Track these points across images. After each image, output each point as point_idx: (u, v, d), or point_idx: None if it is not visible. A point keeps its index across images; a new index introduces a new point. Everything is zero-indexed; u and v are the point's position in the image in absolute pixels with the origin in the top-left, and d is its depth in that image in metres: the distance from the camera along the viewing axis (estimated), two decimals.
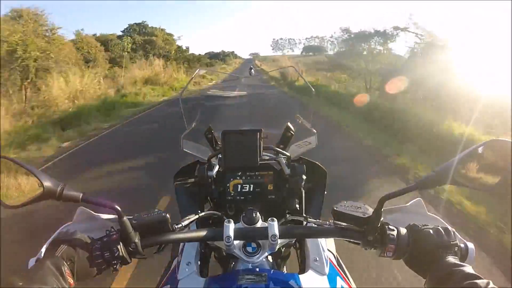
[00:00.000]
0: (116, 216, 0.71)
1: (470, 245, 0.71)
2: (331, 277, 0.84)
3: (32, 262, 0.68)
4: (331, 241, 1.08)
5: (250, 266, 0.81)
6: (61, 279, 0.59)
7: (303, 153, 1.19)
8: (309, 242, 0.96)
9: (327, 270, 0.86)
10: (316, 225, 0.88)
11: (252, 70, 32.47)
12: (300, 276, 0.80)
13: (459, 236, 0.71)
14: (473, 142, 4.39)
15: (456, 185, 0.69)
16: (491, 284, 0.55)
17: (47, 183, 0.64)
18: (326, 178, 1.16)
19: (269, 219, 0.77)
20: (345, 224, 0.76)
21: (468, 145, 0.71)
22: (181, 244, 0.98)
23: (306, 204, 1.11)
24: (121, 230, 0.70)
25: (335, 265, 0.92)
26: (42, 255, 0.65)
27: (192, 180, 1.13)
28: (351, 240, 0.77)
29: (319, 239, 0.96)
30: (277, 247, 0.79)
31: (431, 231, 0.69)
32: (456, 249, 0.68)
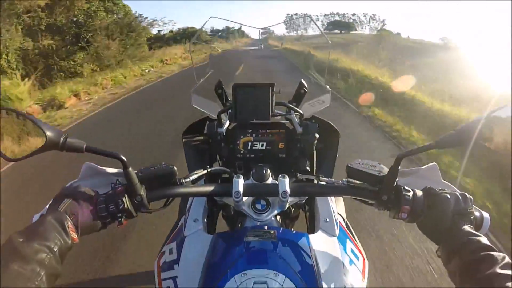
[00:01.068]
0: (122, 170, 0.69)
1: (486, 215, 0.69)
2: (341, 239, 0.83)
3: (35, 218, 0.67)
4: (341, 205, 1.06)
5: (258, 224, 0.80)
6: (64, 234, 0.58)
7: (316, 112, 1.14)
8: (319, 203, 0.94)
9: (337, 231, 0.85)
10: (327, 184, 0.86)
11: (262, 46, 30.90)
12: (310, 236, 0.78)
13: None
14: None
15: (478, 148, 0.65)
16: (507, 259, 0.54)
17: (50, 133, 0.62)
18: (338, 138, 1.13)
19: (280, 175, 0.75)
20: (359, 182, 0.74)
21: None
22: (189, 201, 0.97)
23: (317, 165, 1.09)
24: (127, 182, 0.69)
25: (344, 228, 0.90)
26: (46, 211, 0.63)
27: (201, 137, 1.11)
28: (365, 200, 0.75)
29: (329, 201, 0.94)
30: (287, 205, 0.78)
31: (448, 196, 0.66)
32: (471, 217, 0.66)
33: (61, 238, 0.57)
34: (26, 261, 0.50)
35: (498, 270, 0.51)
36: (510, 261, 0.53)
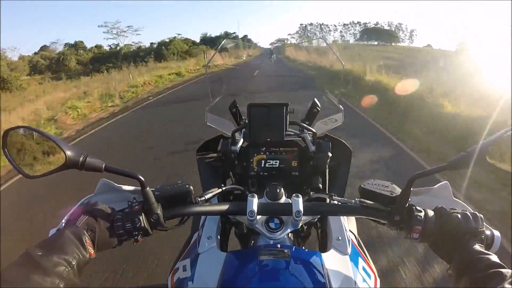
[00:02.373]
0: (138, 188, 0.70)
1: (496, 233, 0.69)
2: (353, 257, 0.83)
3: (52, 232, 0.68)
4: (353, 223, 1.06)
5: (271, 242, 0.80)
6: (81, 248, 0.59)
7: (328, 130, 1.15)
8: (331, 221, 0.94)
9: (349, 250, 0.84)
10: (340, 203, 0.86)
11: (274, 56, 25.75)
12: (323, 254, 0.78)
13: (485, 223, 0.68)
14: None
15: (489, 168, 0.66)
16: None
17: (70, 153, 0.63)
18: (351, 156, 1.13)
19: (294, 195, 0.76)
20: (371, 202, 0.74)
21: None
22: (202, 218, 0.98)
23: (329, 182, 1.09)
24: (143, 201, 0.70)
25: (356, 246, 0.90)
26: (63, 225, 0.64)
27: (215, 154, 1.12)
28: (377, 220, 0.75)
29: (341, 220, 0.94)
30: (300, 224, 0.78)
31: (459, 215, 0.67)
32: (482, 236, 0.66)
33: (79, 252, 0.58)
34: (46, 273, 0.51)
35: (507, 286, 0.51)
36: None
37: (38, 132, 0.66)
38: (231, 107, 1.19)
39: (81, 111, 8.36)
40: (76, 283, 0.55)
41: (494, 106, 4.32)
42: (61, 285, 0.51)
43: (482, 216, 0.68)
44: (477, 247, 0.62)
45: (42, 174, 0.66)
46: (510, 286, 0.51)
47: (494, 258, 0.59)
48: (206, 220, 0.96)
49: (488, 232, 0.68)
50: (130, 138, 5.97)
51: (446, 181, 0.83)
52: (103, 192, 0.82)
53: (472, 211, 0.69)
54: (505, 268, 0.56)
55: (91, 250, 0.61)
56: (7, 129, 0.64)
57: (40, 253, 0.53)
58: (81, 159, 0.64)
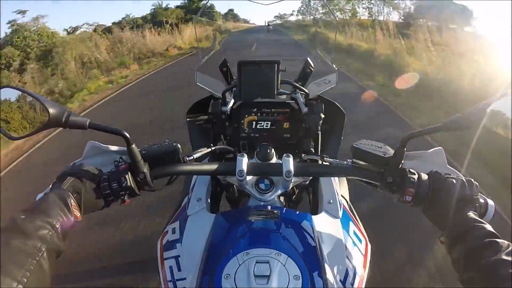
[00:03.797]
0: (125, 148, 0.69)
1: (490, 202, 0.69)
2: (344, 221, 0.83)
3: (39, 196, 0.66)
4: (345, 187, 1.06)
5: (262, 204, 0.80)
6: (66, 211, 0.58)
7: (321, 92, 1.13)
8: (323, 184, 0.93)
9: (340, 213, 0.84)
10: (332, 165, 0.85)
11: (271, 26, 26.27)
12: (313, 216, 0.78)
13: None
14: None
15: (486, 131, 0.63)
16: (511, 246, 0.53)
17: (53, 110, 0.61)
18: (344, 119, 1.12)
19: (284, 155, 0.75)
20: (364, 163, 0.73)
21: None
22: (192, 181, 0.97)
23: (322, 146, 1.08)
24: (130, 159, 0.68)
25: (348, 211, 0.90)
26: (49, 189, 0.63)
27: (205, 116, 1.10)
28: (369, 181, 0.74)
29: (333, 183, 0.94)
30: (291, 185, 0.77)
31: (454, 181, 0.65)
32: (477, 204, 0.65)
33: (63, 215, 0.57)
34: (27, 237, 0.50)
35: (504, 257, 0.50)
36: None
37: (21, 90, 0.64)
38: (222, 66, 1.16)
39: None
40: (59, 246, 0.54)
41: None
42: (43, 248, 0.50)
43: (477, 183, 0.67)
44: (472, 214, 0.61)
45: (26, 134, 0.65)
46: (507, 257, 0.50)
47: (489, 227, 0.58)
48: (196, 182, 0.95)
49: (482, 201, 0.67)
50: None
51: (440, 147, 0.82)
52: (91, 155, 0.80)
53: (467, 178, 0.68)
54: (500, 238, 0.55)
55: (77, 213, 0.60)
56: None
57: (23, 217, 0.52)
58: (64, 116, 0.62)
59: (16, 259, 0.47)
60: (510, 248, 0.52)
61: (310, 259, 0.65)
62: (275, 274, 0.58)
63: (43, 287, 0.49)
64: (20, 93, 0.65)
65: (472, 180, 0.67)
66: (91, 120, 0.64)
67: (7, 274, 0.44)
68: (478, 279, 0.52)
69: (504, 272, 0.48)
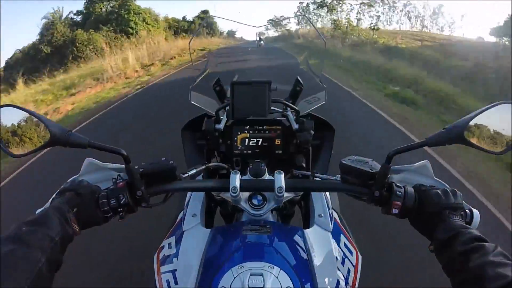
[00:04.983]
0: (123, 166, 0.71)
1: (476, 211, 0.71)
2: (335, 234, 0.85)
3: (39, 212, 0.68)
4: (336, 200, 1.08)
5: (255, 218, 0.82)
6: (66, 224, 0.60)
7: (311, 109, 1.17)
8: (314, 199, 0.96)
9: (331, 226, 0.87)
10: (322, 180, 0.88)
11: (262, 42, 23.04)
12: (305, 230, 0.81)
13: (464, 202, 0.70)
14: None
15: (466, 145, 0.67)
16: (499, 248, 0.54)
17: (54, 129, 0.63)
18: (333, 135, 1.15)
19: (276, 171, 0.77)
20: (352, 178, 0.75)
21: None
22: (187, 197, 0.99)
23: (312, 161, 1.11)
24: (128, 177, 0.71)
25: (339, 224, 0.93)
26: (49, 204, 0.65)
27: (199, 133, 1.13)
28: (357, 195, 0.77)
29: (324, 197, 0.97)
30: (283, 200, 0.80)
31: (438, 191, 0.68)
32: (462, 212, 0.67)
33: (62, 229, 0.59)
34: (29, 247, 0.52)
35: (491, 258, 0.52)
36: (501, 250, 0.54)
37: (23, 109, 0.66)
38: (215, 85, 1.19)
39: None
40: (58, 259, 0.56)
41: None
42: (43, 259, 0.52)
43: (461, 193, 0.69)
44: (458, 221, 0.63)
45: (28, 152, 0.66)
46: (494, 258, 0.52)
47: (475, 232, 0.59)
48: (190, 198, 0.97)
49: (467, 210, 0.69)
50: None
51: (427, 160, 0.84)
52: (88, 172, 0.82)
53: (452, 188, 0.71)
54: (487, 241, 0.56)
55: (76, 228, 0.62)
56: None
57: (24, 229, 0.55)
58: (65, 136, 0.64)
59: (18, 268, 0.49)
60: (497, 250, 0.54)
61: (302, 271, 0.68)
62: (268, 286, 0.60)
63: None
64: (23, 113, 0.67)
65: (456, 190, 0.70)
66: (90, 140, 0.67)
67: (10, 281, 0.47)
68: (469, 282, 0.53)
69: (491, 273, 0.50)
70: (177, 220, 0.94)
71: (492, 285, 0.49)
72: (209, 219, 1.02)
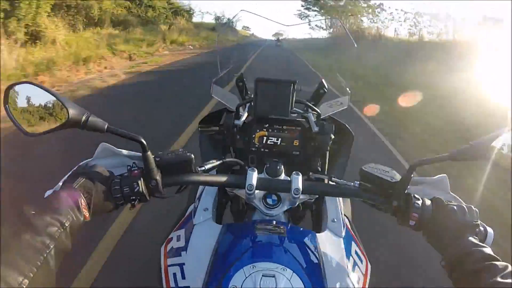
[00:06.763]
0: (139, 153, 0.70)
1: (490, 230, 0.69)
2: (346, 240, 0.84)
3: (48, 193, 0.65)
4: (348, 207, 1.07)
5: (267, 218, 0.81)
6: (76, 210, 0.58)
7: (333, 112, 1.15)
8: (327, 203, 0.95)
9: (343, 232, 0.85)
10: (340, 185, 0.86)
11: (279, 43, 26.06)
12: (317, 234, 0.79)
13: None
14: None
15: (490, 161, 0.65)
16: (510, 268, 0.54)
17: (73, 111, 0.61)
18: (352, 141, 1.14)
19: (294, 172, 0.76)
20: (371, 186, 0.74)
21: None
22: (199, 190, 0.98)
23: (329, 165, 1.09)
24: (144, 166, 0.69)
25: (350, 230, 0.91)
26: (60, 187, 0.63)
27: (217, 127, 1.11)
28: (374, 204, 0.75)
29: (337, 202, 0.95)
30: (298, 202, 0.78)
31: (455, 207, 0.67)
32: (477, 229, 0.66)
33: (73, 214, 0.56)
34: (37, 232, 0.50)
35: (499, 279, 0.52)
36: None
37: (41, 88, 0.63)
38: (238, 80, 1.18)
39: None
40: (67, 245, 0.54)
41: None
42: (51, 246, 0.50)
43: (477, 210, 0.68)
44: (472, 239, 0.62)
45: (43, 132, 0.64)
46: (502, 279, 0.52)
47: (488, 250, 0.59)
48: (203, 192, 0.96)
49: (481, 228, 0.68)
50: None
51: (445, 174, 0.82)
52: (103, 156, 0.81)
53: (468, 205, 0.69)
54: (500, 260, 0.56)
55: (86, 213, 0.60)
56: (9, 84, 0.62)
57: (33, 212, 0.53)
58: (83, 118, 0.62)
59: (24, 254, 0.47)
60: (508, 270, 0.53)
61: (314, 276, 0.66)
62: None
63: (48, 283, 0.49)
64: (41, 91, 0.65)
65: (473, 207, 0.68)
66: (109, 124, 0.65)
67: (15, 268, 0.45)
68: None
69: None
70: (187, 213, 0.93)
71: None
72: (219, 214, 1.01)
